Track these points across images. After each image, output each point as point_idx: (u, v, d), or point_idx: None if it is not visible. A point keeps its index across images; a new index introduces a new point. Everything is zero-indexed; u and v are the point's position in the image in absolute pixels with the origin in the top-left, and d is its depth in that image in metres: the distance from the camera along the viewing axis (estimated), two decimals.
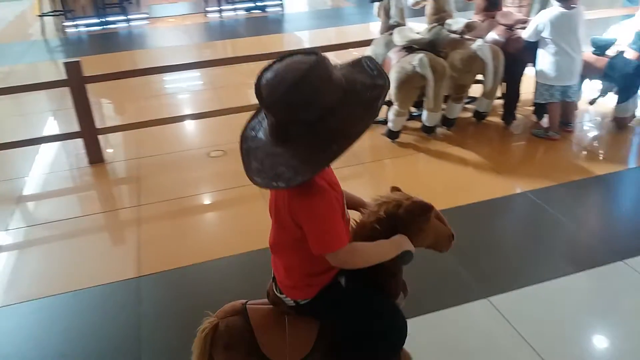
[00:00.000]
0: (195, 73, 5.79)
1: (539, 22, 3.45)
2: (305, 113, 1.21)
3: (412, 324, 1.71)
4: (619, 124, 3.75)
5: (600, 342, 2.06)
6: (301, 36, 7.74)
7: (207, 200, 3.33)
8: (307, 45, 7.09)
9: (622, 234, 2.71)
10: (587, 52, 3.72)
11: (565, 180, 3.18)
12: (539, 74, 3.61)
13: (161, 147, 4.01)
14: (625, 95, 3.62)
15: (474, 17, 4.07)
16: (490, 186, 3.18)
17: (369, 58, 1.37)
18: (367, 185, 3.35)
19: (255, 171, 1.30)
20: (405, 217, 1.47)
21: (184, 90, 5.53)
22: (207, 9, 9.22)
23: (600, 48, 3.72)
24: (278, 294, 1.53)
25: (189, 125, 4.42)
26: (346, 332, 1.52)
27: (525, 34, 3.54)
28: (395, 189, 1.61)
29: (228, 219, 3.15)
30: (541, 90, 3.61)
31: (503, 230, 2.83)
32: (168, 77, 5.75)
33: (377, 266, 1.44)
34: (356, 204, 1.57)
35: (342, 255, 1.34)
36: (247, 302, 1.58)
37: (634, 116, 3.76)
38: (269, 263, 2.59)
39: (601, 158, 3.50)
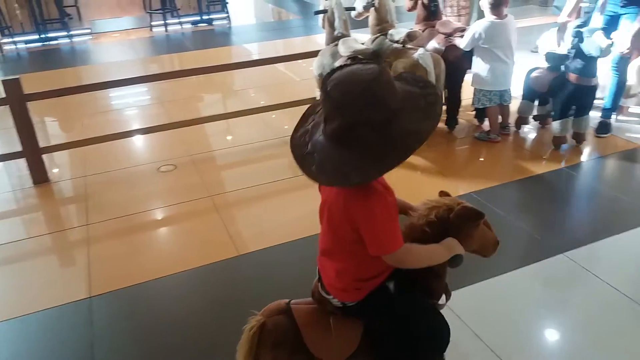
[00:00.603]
0: (141, 88, 5.70)
1: (474, 32, 3.62)
2: (375, 114, 1.27)
3: None
4: (555, 143, 3.73)
5: (548, 333, 2.17)
6: (249, 48, 7.76)
7: (158, 215, 3.29)
8: (255, 57, 7.11)
9: (562, 228, 2.86)
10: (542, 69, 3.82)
11: (507, 180, 3.34)
12: (475, 80, 3.78)
13: (109, 164, 3.92)
14: (558, 115, 3.64)
15: (414, 26, 4.23)
16: (437, 188, 3.18)
17: (409, 73, 1.48)
18: (313, 197, 3.38)
19: (316, 174, 1.33)
20: (456, 222, 1.50)
21: (131, 105, 5.43)
22: (152, 23, 9.10)
23: (555, 61, 3.77)
24: (324, 295, 1.57)
25: (138, 141, 4.35)
26: (390, 333, 1.56)
27: (462, 43, 3.71)
28: (444, 193, 1.67)
29: (181, 234, 3.12)
30: (479, 96, 3.80)
31: None
32: (114, 92, 5.63)
33: (423, 269, 1.50)
34: (404, 208, 1.62)
35: (399, 255, 1.39)
36: (290, 301, 1.61)
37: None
38: (224, 276, 2.61)
39: (540, 158, 3.68)
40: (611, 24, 3.82)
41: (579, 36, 3.58)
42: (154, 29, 9.06)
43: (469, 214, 1.51)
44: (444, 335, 1.60)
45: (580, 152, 3.72)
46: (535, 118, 4.07)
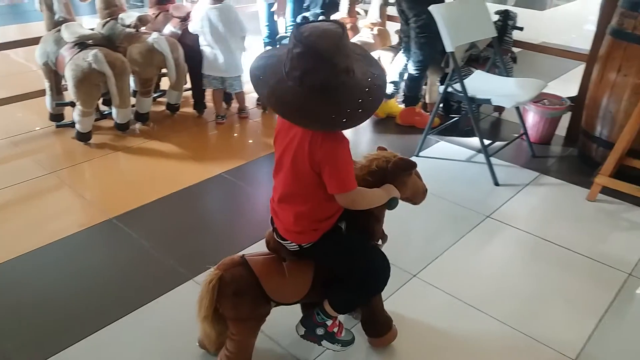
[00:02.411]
0: None
1: (199, 17, 3.64)
2: (349, 61, 1.44)
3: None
4: None
5: None
6: None
7: None
8: None
9: None
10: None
11: (254, 157, 3.53)
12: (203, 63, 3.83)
13: None
14: None
15: (148, 10, 4.11)
16: (191, 173, 3.30)
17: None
18: (69, 193, 3.07)
19: (309, 123, 1.47)
20: (393, 170, 1.72)
21: None
22: None
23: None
24: (280, 241, 1.71)
25: None
26: (339, 270, 1.74)
27: (192, 27, 3.72)
28: (381, 148, 1.84)
29: None
30: (203, 78, 3.89)
31: (206, 210, 2.99)
32: None
33: (367, 214, 1.71)
34: None
35: (353, 195, 1.57)
36: (243, 255, 1.74)
37: None
38: None
39: None
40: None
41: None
42: None
43: (404, 164, 1.74)
44: (386, 272, 1.77)
45: None
46: None
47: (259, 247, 1.85)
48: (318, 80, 1.41)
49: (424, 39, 3.65)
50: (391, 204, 1.73)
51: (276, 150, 1.67)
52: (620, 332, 2.12)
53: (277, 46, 4.05)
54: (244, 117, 4.14)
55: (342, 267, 1.75)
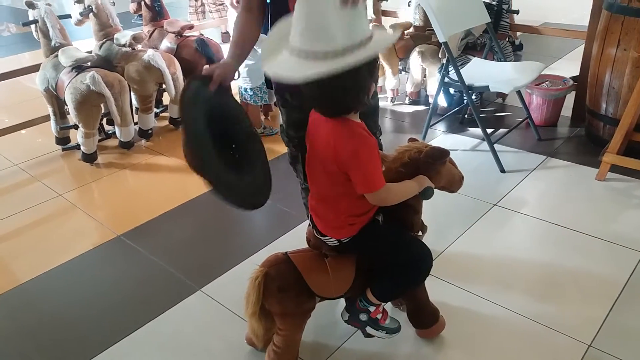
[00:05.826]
0: None
1: None
2: None
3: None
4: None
5: None
6: None
7: None
8: None
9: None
10: None
11: None
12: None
13: None
14: None
15: (143, 28, 4.15)
16: (197, 184, 3.18)
17: None
18: (78, 213, 3.12)
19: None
20: (426, 160, 1.71)
21: None
22: None
23: None
24: (320, 237, 1.74)
25: None
26: (381, 262, 1.76)
27: None
28: (412, 139, 1.85)
29: None
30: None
31: (211, 220, 2.98)
32: None
33: (404, 206, 1.69)
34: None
35: (382, 194, 1.56)
36: (287, 252, 1.78)
37: None
38: None
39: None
40: None
41: None
42: None
43: (436, 153, 1.72)
44: (426, 262, 1.77)
45: None
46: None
47: (269, 252, 1.85)
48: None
49: None
50: (426, 194, 1.71)
51: (309, 150, 1.69)
52: (636, 313, 2.06)
53: None
54: None
55: (383, 258, 1.77)
